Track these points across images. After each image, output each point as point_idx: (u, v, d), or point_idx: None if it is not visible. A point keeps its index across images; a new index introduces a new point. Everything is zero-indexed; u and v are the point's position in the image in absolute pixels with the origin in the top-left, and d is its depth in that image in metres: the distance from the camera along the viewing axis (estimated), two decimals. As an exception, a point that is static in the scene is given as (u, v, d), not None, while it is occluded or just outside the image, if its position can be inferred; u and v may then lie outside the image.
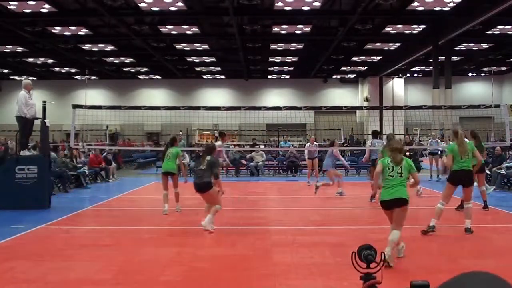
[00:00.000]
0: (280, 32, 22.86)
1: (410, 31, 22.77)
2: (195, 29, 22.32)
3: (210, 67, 32.95)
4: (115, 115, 13.07)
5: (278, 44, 25.80)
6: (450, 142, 9.06)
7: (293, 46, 26.17)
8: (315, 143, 14.91)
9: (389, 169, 5.44)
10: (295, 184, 15.70)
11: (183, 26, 21.95)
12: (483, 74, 35.87)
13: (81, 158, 15.80)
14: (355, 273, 2.30)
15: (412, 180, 5.83)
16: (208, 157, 7.32)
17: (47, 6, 18.23)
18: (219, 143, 11.49)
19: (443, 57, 24.70)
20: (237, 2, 17.95)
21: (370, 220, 8.54)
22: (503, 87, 35.91)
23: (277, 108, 11.80)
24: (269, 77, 36.62)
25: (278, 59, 29.87)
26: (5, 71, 33.40)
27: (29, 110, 9.85)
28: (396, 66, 29.45)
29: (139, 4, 18.33)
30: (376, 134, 11.94)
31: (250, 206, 10.50)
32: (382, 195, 5.44)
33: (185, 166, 12.41)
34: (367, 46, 25.77)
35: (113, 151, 18.70)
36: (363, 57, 29.29)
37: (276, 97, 35.55)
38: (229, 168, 18.65)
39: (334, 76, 36.14)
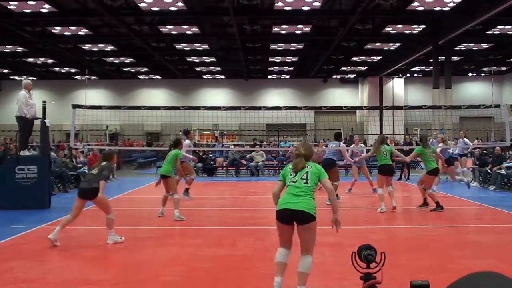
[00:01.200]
0: (280, 32, 22.86)
1: (410, 31, 22.77)
2: (195, 29, 22.32)
3: (210, 67, 32.95)
4: (115, 115, 13.06)
5: (278, 44, 25.80)
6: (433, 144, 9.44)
7: (293, 46, 26.17)
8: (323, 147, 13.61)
9: (291, 175, 4.45)
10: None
11: (183, 26, 21.95)
12: (483, 74, 35.87)
13: (80, 158, 15.80)
14: (355, 273, 2.30)
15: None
16: (104, 163, 6.81)
17: (47, 6, 18.23)
18: (186, 142, 11.38)
19: (443, 57, 24.70)
20: (237, 2, 17.95)
21: (370, 220, 8.53)
22: (503, 87, 35.90)
23: (277, 108, 11.80)
24: (269, 77, 36.62)
25: (278, 59, 29.87)
26: (5, 71, 33.40)
27: (29, 110, 9.85)
28: (396, 66, 29.45)
29: (139, 4, 18.33)
30: (338, 136, 11.48)
31: (250, 206, 10.50)
32: (279, 203, 4.37)
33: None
34: (367, 46, 25.77)
35: (113, 151, 18.67)
36: (363, 57, 29.29)
37: (276, 97, 35.55)
38: (229, 168, 18.67)
39: (334, 76, 36.14)
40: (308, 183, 4.33)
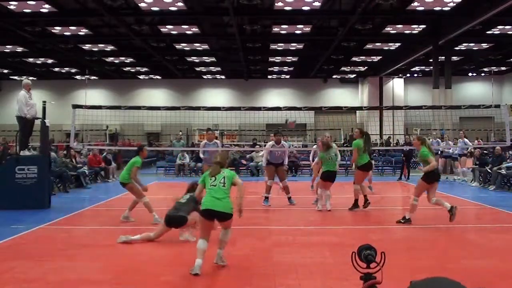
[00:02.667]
0: (280, 32, 22.87)
1: (410, 31, 22.77)
2: (195, 29, 22.33)
3: (210, 67, 32.95)
4: (115, 115, 13.06)
5: (278, 44, 25.81)
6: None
7: (293, 46, 26.17)
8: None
9: (210, 179, 5.27)
10: (295, 184, 15.69)
11: (183, 26, 21.96)
12: (483, 74, 35.87)
13: (77, 158, 15.78)
14: (355, 273, 2.30)
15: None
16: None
17: (47, 6, 18.24)
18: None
19: (443, 57, 24.71)
20: (237, 2, 17.96)
21: (370, 220, 8.54)
22: (503, 87, 35.91)
23: (277, 108, 11.80)
24: (269, 77, 36.63)
25: (278, 59, 29.87)
26: (5, 71, 33.41)
27: (29, 110, 9.84)
28: (396, 66, 29.45)
29: (139, 4, 18.33)
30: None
31: (250, 206, 10.48)
32: (204, 203, 5.17)
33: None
34: (367, 46, 25.78)
35: (113, 151, 18.70)
36: (363, 57, 29.29)
37: (276, 97, 35.54)
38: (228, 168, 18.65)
39: (334, 76, 36.14)
40: (225, 186, 5.21)
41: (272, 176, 10.16)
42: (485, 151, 17.94)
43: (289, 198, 10.25)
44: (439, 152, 16.01)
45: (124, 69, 33.08)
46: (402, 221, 8.00)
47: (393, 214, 9.64)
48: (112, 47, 25.80)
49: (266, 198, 10.14)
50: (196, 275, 4.91)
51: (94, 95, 33.52)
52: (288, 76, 36.36)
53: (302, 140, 29.65)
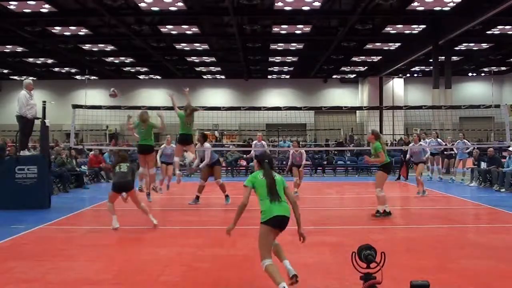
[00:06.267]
0: (280, 32, 22.87)
1: (410, 31, 22.78)
2: (195, 29, 22.33)
3: (210, 67, 32.95)
4: (115, 115, 13.07)
5: (278, 44, 25.81)
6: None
7: (293, 46, 26.18)
8: (262, 141, 13.54)
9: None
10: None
11: (183, 26, 21.96)
12: (483, 74, 35.88)
13: (78, 158, 15.77)
14: (355, 273, 2.30)
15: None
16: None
17: (47, 6, 18.24)
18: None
19: (443, 57, 24.70)
20: (237, 2, 17.96)
21: (370, 220, 8.53)
22: (503, 87, 35.91)
23: (277, 108, 11.80)
24: (269, 77, 36.63)
25: (278, 59, 29.87)
26: (5, 71, 33.40)
27: (30, 110, 9.84)
28: (396, 66, 29.46)
29: (139, 4, 18.33)
30: (205, 138, 11.11)
31: (250, 206, 10.49)
32: None
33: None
34: (367, 46, 25.78)
35: (113, 151, 18.67)
36: (363, 57, 29.29)
37: (276, 97, 35.54)
38: (228, 168, 18.65)
39: (334, 76, 36.14)
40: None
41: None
42: (484, 152, 17.94)
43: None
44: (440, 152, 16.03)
45: (124, 69, 33.07)
46: (377, 215, 8.42)
47: (393, 214, 9.64)
48: (112, 47, 25.79)
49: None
50: None
51: (94, 95, 33.48)
52: (288, 76, 36.37)
53: (301, 140, 29.62)
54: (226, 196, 10.29)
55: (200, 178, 10.58)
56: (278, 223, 4.41)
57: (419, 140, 12.48)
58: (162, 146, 12.43)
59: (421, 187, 11.61)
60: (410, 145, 12.87)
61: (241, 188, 4.78)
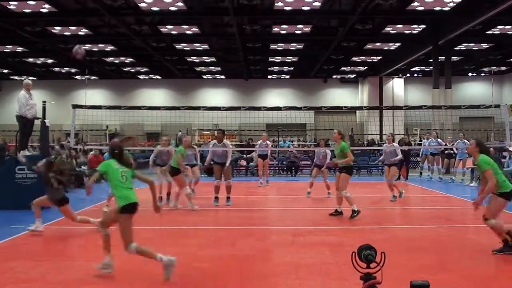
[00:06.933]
0: (280, 32, 22.88)
1: (410, 31, 22.79)
2: (195, 29, 22.34)
3: (210, 67, 32.97)
4: (115, 115, 13.05)
5: (278, 44, 25.82)
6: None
7: (293, 46, 26.18)
8: (267, 141, 14.74)
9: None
10: (295, 184, 15.70)
11: (183, 26, 21.97)
12: (483, 74, 35.89)
13: (63, 156, 15.72)
14: (355, 273, 2.30)
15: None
16: None
17: (47, 6, 18.25)
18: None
19: (443, 57, 24.70)
20: (237, 2, 17.96)
21: (370, 220, 8.53)
22: (503, 87, 35.92)
23: (277, 108, 11.78)
24: (269, 77, 36.64)
25: (278, 59, 29.88)
26: (5, 71, 33.42)
27: (30, 110, 9.83)
28: (396, 66, 29.47)
29: (139, 4, 18.34)
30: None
31: (250, 206, 10.49)
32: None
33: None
34: (367, 46, 25.79)
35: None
36: (363, 57, 29.31)
37: (276, 97, 35.56)
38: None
39: (334, 76, 36.16)
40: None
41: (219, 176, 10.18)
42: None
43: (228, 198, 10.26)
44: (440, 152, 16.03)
45: (124, 69, 33.08)
46: (355, 214, 8.35)
47: (393, 214, 9.66)
48: (112, 47, 25.80)
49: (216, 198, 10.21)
50: None
51: (94, 95, 33.51)
52: (288, 76, 36.38)
53: (301, 140, 29.62)
54: (228, 198, 10.20)
55: (215, 178, 10.47)
56: (133, 209, 5.08)
57: (393, 141, 11.57)
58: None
59: (397, 190, 10.79)
60: (384, 145, 11.83)
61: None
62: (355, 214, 8.34)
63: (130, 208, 4.99)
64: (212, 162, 10.50)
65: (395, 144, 11.32)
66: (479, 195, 5.99)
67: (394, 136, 12.72)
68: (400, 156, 10.88)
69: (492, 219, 5.75)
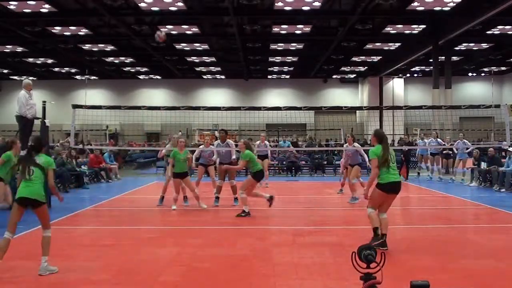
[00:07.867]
0: (280, 32, 22.87)
1: (410, 31, 22.78)
2: (195, 29, 22.33)
3: (210, 67, 32.96)
4: (115, 115, 13.05)
5: (278, 44, 25.81)
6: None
7: (293, 46, 26.18)
8: (266, 142, 14.42)
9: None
10: (295, 184, 15.71)
11: (183, 26, 21.96)
12: (483, 74, 35.89)
13: (62, 156, 15.69)
14: (355, 273, 2.30)
15: None
16: None
17: (47, 6, 18.24)
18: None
19: (443, 57, 24.70)
20: (237, 2, 17.96)
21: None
22: (503, 87, 35.92)
23: (277, 108, 11.78)
24: (269, 77, 36.64)
25: (278, 59, 29.88)
26: (5, 71, 33.42)
27: (29, 110, 9.84)
28: (396, 66, 29.46)
29: (139, 4, 18.34)
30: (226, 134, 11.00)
31: (250, 206, 10.48)
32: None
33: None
34: (367, 46, 25.78)
35: (114, 151, 18.70)
36: (363, 57, 29.30)
37: (276, 97, 35.56)
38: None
39: (334, 76, 36.16)
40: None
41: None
42: (484, 152, 17.96)
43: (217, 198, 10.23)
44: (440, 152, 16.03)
45: (124, 69, 33.08)
46: (243, 214, 8.59)
47: (393, 214, 9.63)
48: (112, 47, 25.80)
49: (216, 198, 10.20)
50: None
51: (94, 95, 33.50)
52: (288, 76, 36.38)
53: (300, 140, 29.61)
54: (235, 198, 10.12)
55: (217, 178, 10.46)
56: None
57: (353, 141, 11.15)
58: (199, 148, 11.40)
59: (354, 192, 10.33)
60: (345, 145, 11.32)
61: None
62: (244, 214, 8.60)
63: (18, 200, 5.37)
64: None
65: (356, 144, 10.97)
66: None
67: (354, 137, 11.60)
68: (365, 156, 10.47)
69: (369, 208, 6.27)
